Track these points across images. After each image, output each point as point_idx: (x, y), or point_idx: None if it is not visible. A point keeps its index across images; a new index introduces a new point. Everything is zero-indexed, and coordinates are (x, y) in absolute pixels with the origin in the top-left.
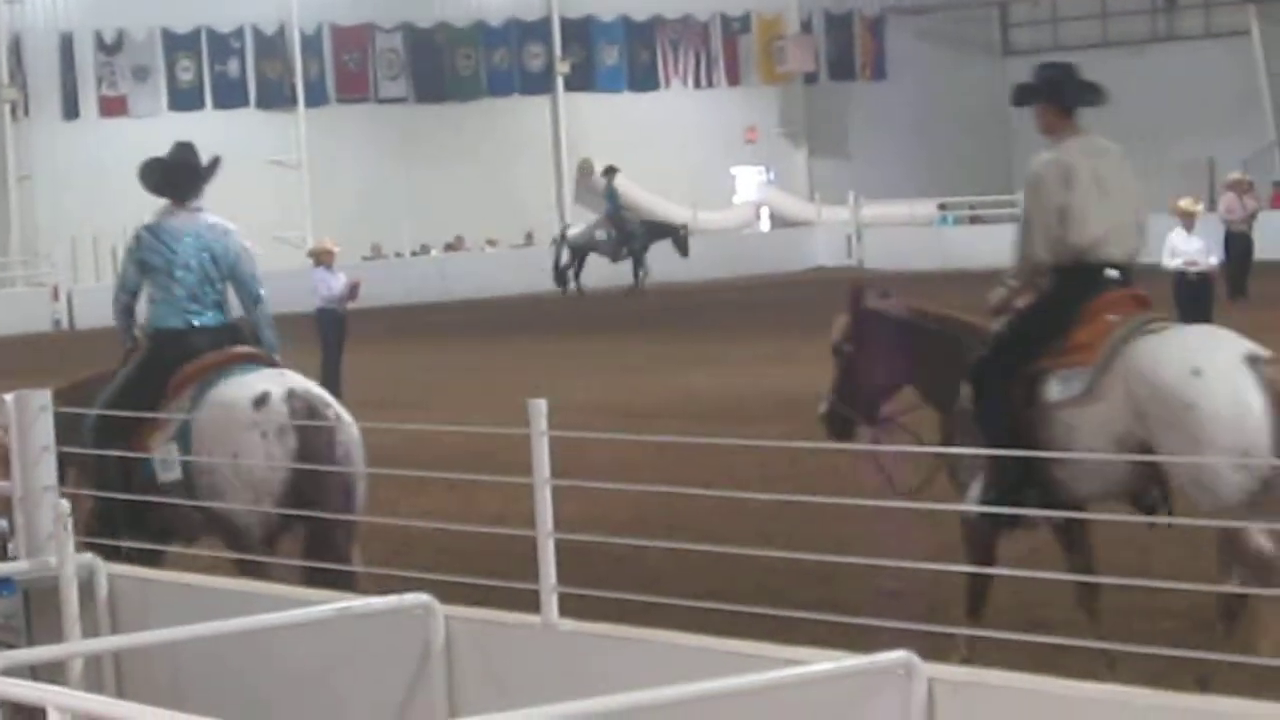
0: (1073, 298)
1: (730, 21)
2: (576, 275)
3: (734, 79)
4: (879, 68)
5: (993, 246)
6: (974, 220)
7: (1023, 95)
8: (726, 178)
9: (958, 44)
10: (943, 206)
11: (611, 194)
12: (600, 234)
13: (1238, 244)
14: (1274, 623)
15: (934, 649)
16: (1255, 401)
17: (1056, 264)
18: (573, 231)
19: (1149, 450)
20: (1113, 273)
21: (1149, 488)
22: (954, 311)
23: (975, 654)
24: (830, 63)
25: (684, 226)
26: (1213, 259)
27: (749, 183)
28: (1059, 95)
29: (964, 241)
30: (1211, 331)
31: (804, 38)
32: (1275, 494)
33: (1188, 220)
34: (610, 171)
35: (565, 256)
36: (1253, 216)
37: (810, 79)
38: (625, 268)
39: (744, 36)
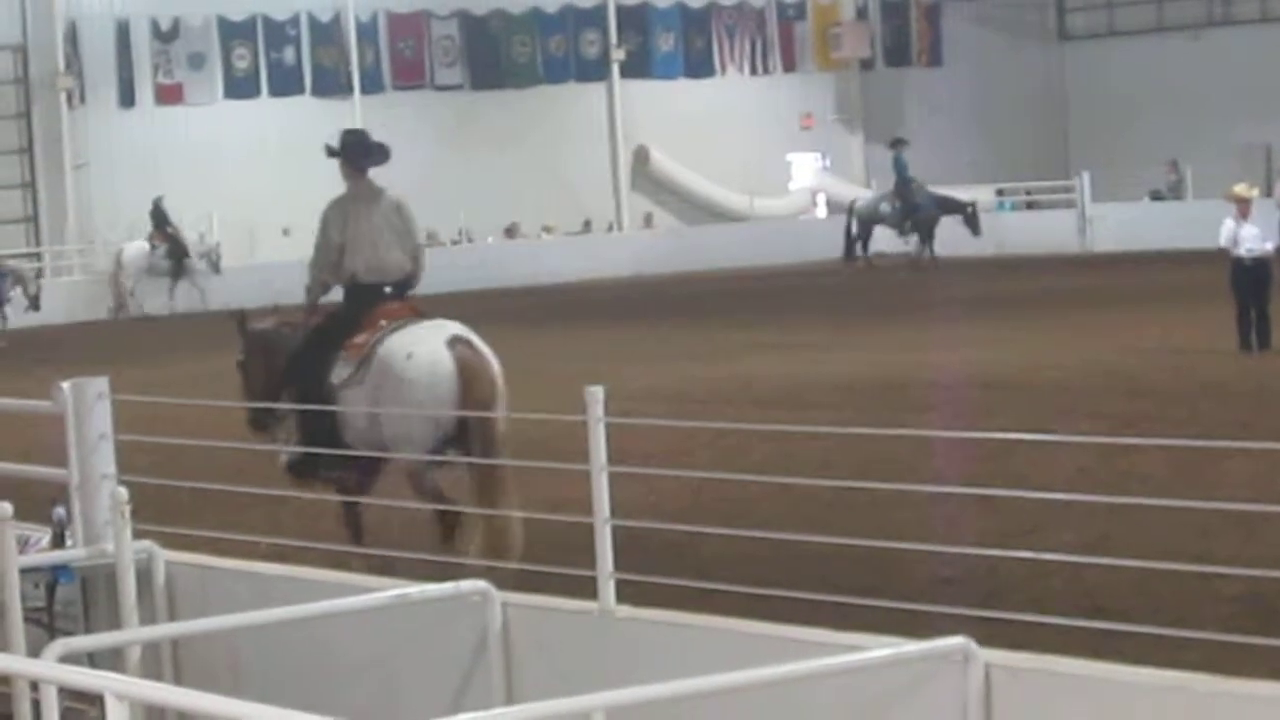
0: (355, 308)
1: (786, 8)
2: (865, 247)
3: (790, 65)
4: (935, 53)
5: (1049, 232)
6: (1030, 206)
7: (330, 152)
8: (782, 164)
9: (1014, 29)
10: (1000, 192)
11: (899, 165)
12: (886, 206)
13: None
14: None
15: (991, 635)
16: (446, 374)
17: (342, 283)
18: (860, 203)
19: (394, 417)
20: (389, 289)
21: (445, 448)
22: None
23: (1034, 640)
24: (886, 49)
25: (973, 203)
26: (1269, 244)
27: (805, 169)
28: (352, 156)
29: (1021, 227)
30: (436, 324)
31: (859, 24)
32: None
33: (1242, 205)
34: (899, 143)
35: (855, 228)
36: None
37: (866, 65)
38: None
39: (799, 23)
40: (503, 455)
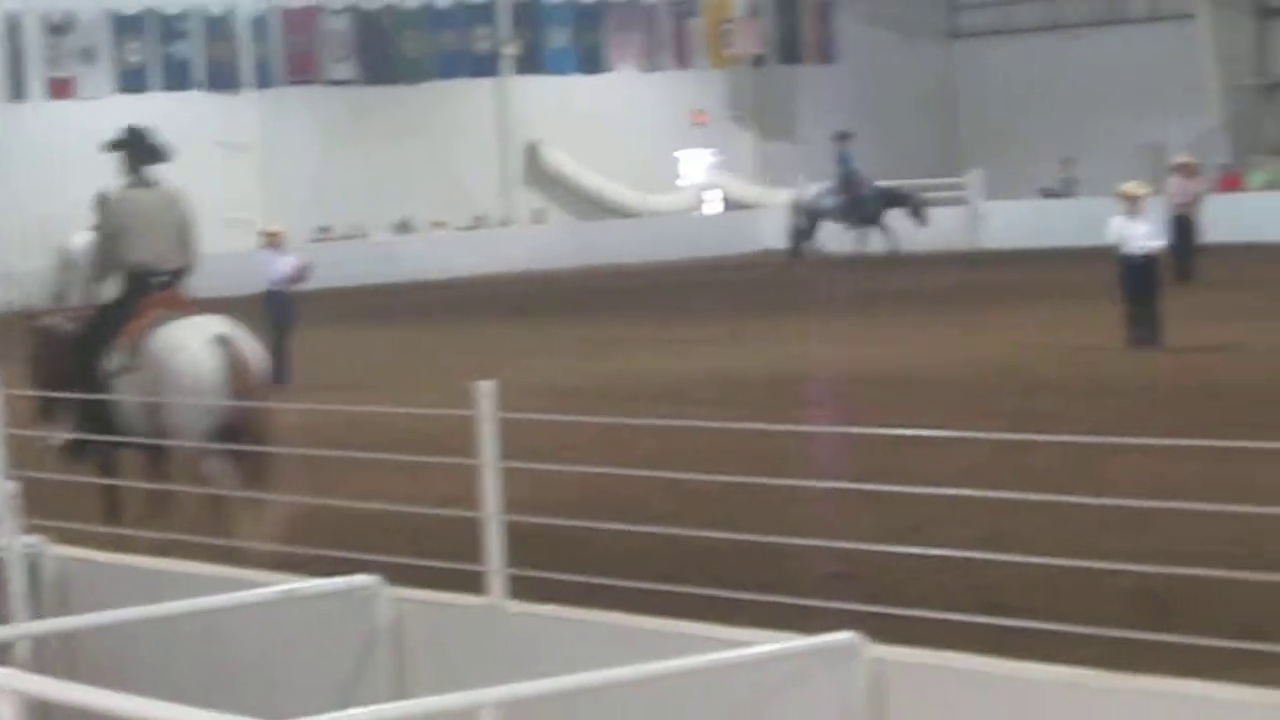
0: (130, 297)
1: (678, 4)
2: (809, 241)
3: (682, 62)
4: (827, 50)
5: (941, 229)
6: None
7: (110, 145)
8: (674, 160)
9: (906, 27)
10: None
11: (844, 159)
12: (830, 200)
13: (1184, 227)
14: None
15: (882, 631)
16: (212, 368)
17: (121, 272)
18: (805, 196)
19: (166, 407)
20: (162, 279)
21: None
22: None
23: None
24: (778, 46)
25: (918, 194)
26: (1159, 242)
27: (697, 165)
28: (133, 153)
29: (910, 224)
30: (203, 320)
31: (752, 21)
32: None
33: (1133, 203)
34: (844, 137)
35: (800, 222)
36: (1199, 200)
37: (758, 62)
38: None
39: (692, 19)
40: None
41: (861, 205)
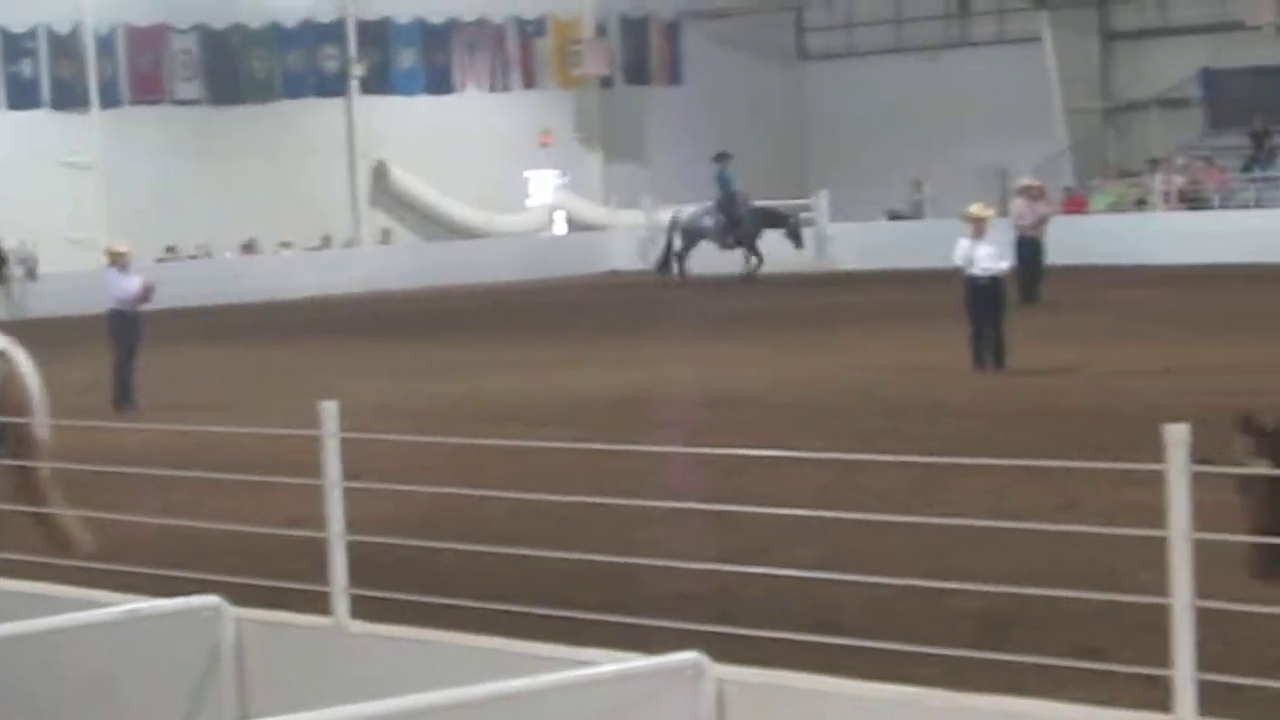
0: None
1: (526, 25)
2: (681, 262)
3: (529, 82)
4: (674, 72)
5: (788, 250)
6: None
7: None
8: (521, 181)
9: (753, 49)
10: None
11: (723, 179)
12: (708, 220)
13: (1028, 249)
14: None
15: (727, 651)
16: None
17: None
18: (683, 217)
19: None
20: None
21: None
22: None
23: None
24: (626, 67)
25: (795, 215)
26: (1004, 264)
27: (544, 186)
28: None
29: (760, 245)
30: None
31: (599, 42)
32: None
33: (978, 225)
34: (723, 157)
35: (678, 242)
36: (1043, 222)
37: (606, 83)
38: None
39: (539, 40)
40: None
41: (739, 226)
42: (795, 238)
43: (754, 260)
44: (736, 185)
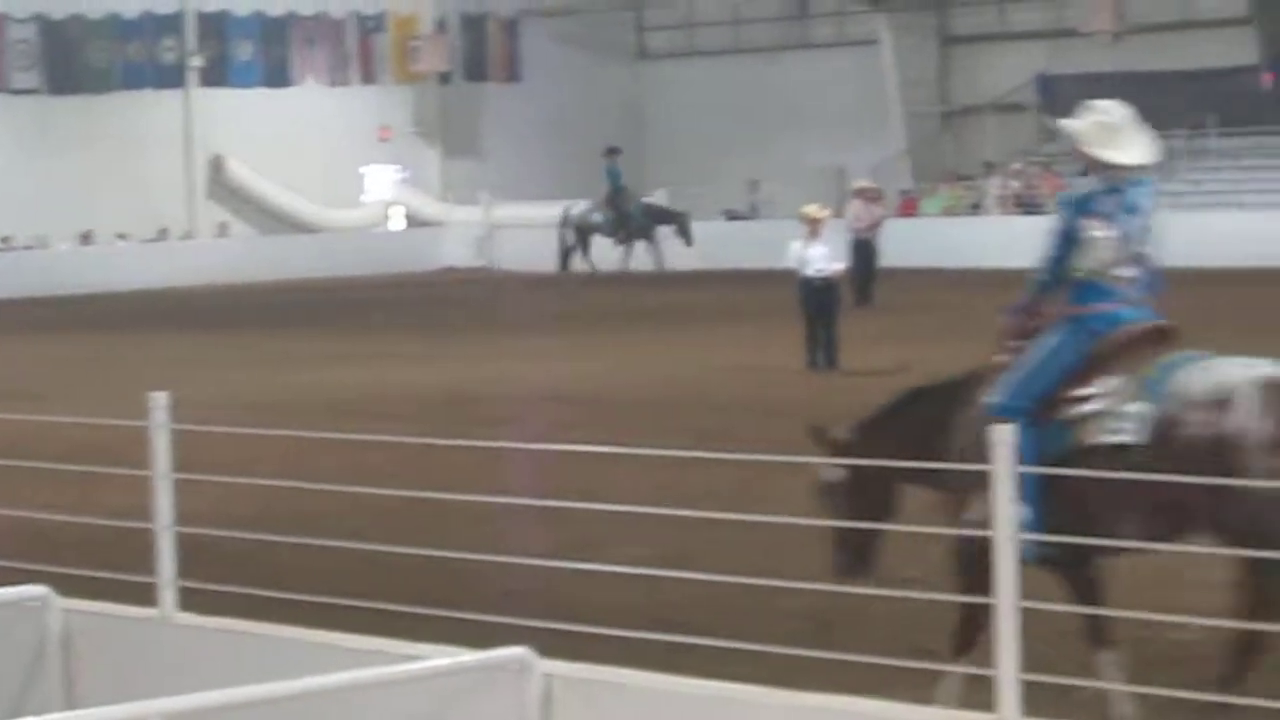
0: None
1: (365, 20)
2: (585, 254)
3: (368, 77)
4: (514, 69)
5: (622, 249)
6: None
7: None
8: (359, 176)
9: (593, 47)
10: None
11: (612, 174)
12: (598, 216)
13: (863, 251)
14: None
15: (558, 647)
16: None
17: None
18: (574, 212)
19: None
20: None
21: None
22: None
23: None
24: (465, 63)
25: (685, 213)
26: (837, 265)
27: (381, 181)
28: None
29: (598, 243)
30: None
31: (438, 37)
32: None
33: (813, 226)
34: (612, 153)
35: (570, 238)
36: (879, 224)
37: (445, 79)
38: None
39: (379, 35)
40: None
41: (628, 221)
42: (685, 234)
43: (655, 255)
44: (623, 180)
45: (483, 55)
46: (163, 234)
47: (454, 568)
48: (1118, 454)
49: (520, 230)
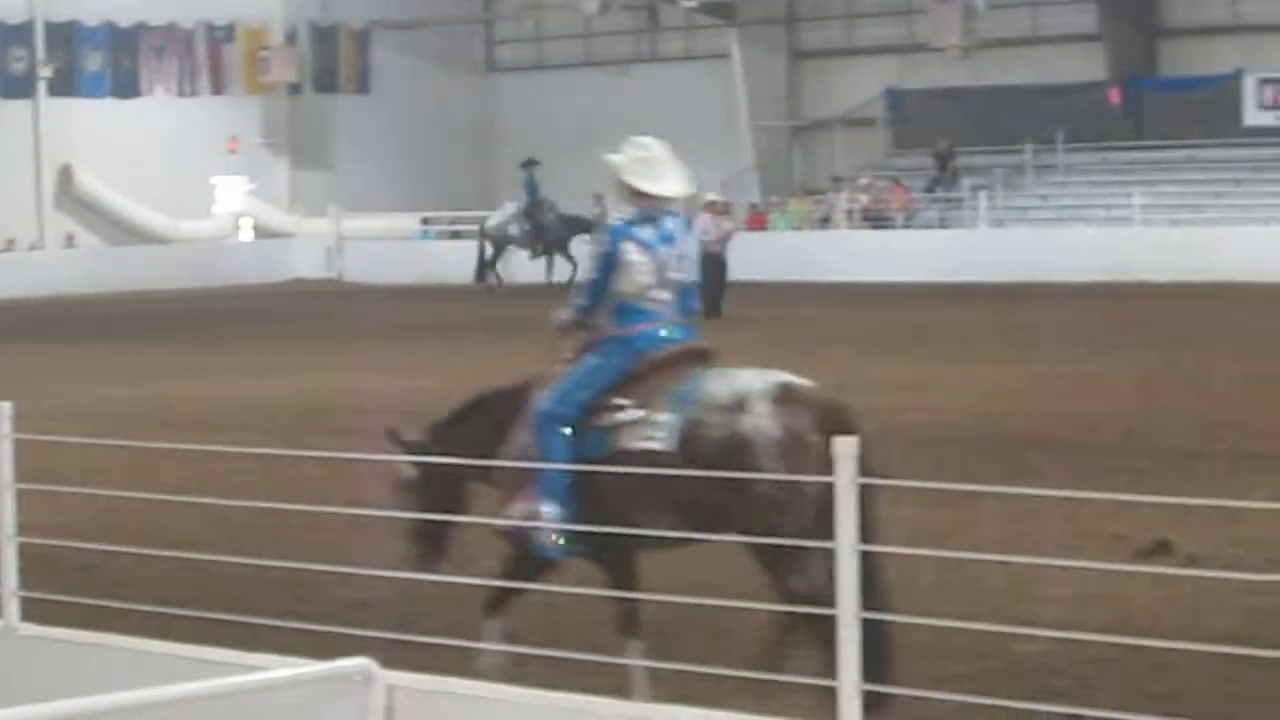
0: None
1: (215, 30)
2: (493, 267)
3: (218, 88)
4: (363, 81)
5: (472, 260)
6: (455, 235)
7: None
8: (208, 187)
9: (443, 59)
10: (425, 221)
11: (530, 186)
12: (514, 228)
13: (712, 264)
14: None
15: (404, 659)
16: None
17: None
18: (490, 223)
19: None
20: None
21: None
22: None
23: (443, 663)
24: (315, 75)
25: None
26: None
27: (230, 192)
28: None
29: (444, 256)
30: None
31: (288, 49)
32: None
33: None
34: (530, 164)
35: (487, 250)
36: (728, 237)
37: (294, 90)
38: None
39: (228, 46)
40: None
41: (545, 233)
42: None
43: (571, 268)
44: (541, 192)
45: (333, 66)
46: (10, 245)
47: (298, 579)
48: (648, 458)
49: (369, 242)
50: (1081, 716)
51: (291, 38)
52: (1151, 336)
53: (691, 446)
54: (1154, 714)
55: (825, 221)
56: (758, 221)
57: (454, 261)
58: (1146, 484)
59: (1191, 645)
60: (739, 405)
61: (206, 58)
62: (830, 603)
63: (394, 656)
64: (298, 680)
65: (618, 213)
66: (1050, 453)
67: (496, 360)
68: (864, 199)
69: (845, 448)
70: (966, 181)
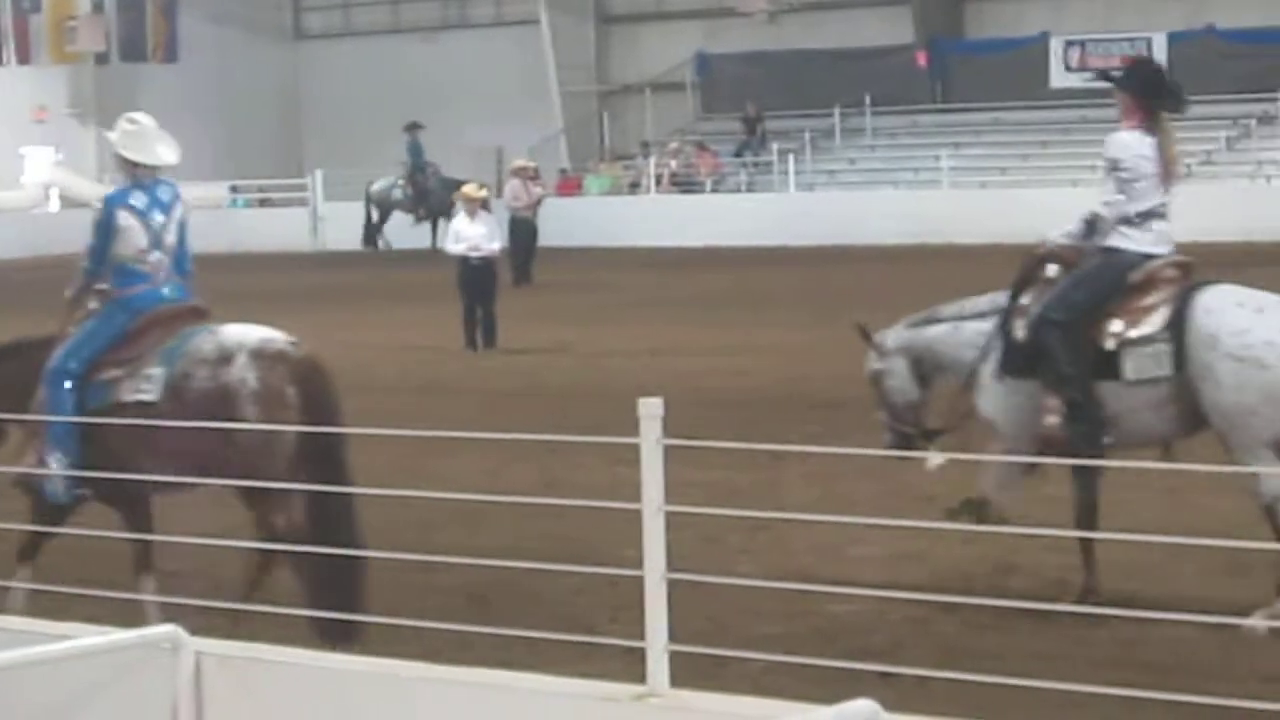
0: None
1: (21, 0)
2: (379, 231)
3: (24, 57)
4: (170, 49)
5: (282, 229)
6: (264, 203)
7: None
8: (16, 157)
9: (251, 27)
10: (234, 189)
11: (414, 150)
12: (399, 192)
13: (522, 230)
14: None
15: (215, 627)
16: None
17: None
18: (375, 187)
19: None
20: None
21: None
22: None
23: (256, 630)
24: (122, 43)
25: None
26: (496, 244)
27: (38, 163)
28: None
29: (253, 224)
30: None
31: (95, 18)
32: None
33: (471, 206)
34: (414, 128)
35: (373, 214)
36: (538, 203)
37: (101, 59)
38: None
39: (35, 15)
40: None
41: (428, 197)
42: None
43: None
44: (425, 156)
45: (140, 35)
46: None
47: (108, 548)
48: (141, 409)
49: None
50: (894, 674)
51: (99, 6)
52: (962, 297)
53: (179, 397)
54: (966, 671)
55: (635, 187)
56: (568, 187)
57: (262, 229)
58: (956, 444)
59: (1001, 603)
60: (223, 359)
61: (13, 27)
62: (305, 539)
63: (202, 624)
64: (106, 648)
65: (115, 183)
66: (858, 415)
67: (309, 331)
68: (673, 164)
69: (649, 408)
70: (775, 145)
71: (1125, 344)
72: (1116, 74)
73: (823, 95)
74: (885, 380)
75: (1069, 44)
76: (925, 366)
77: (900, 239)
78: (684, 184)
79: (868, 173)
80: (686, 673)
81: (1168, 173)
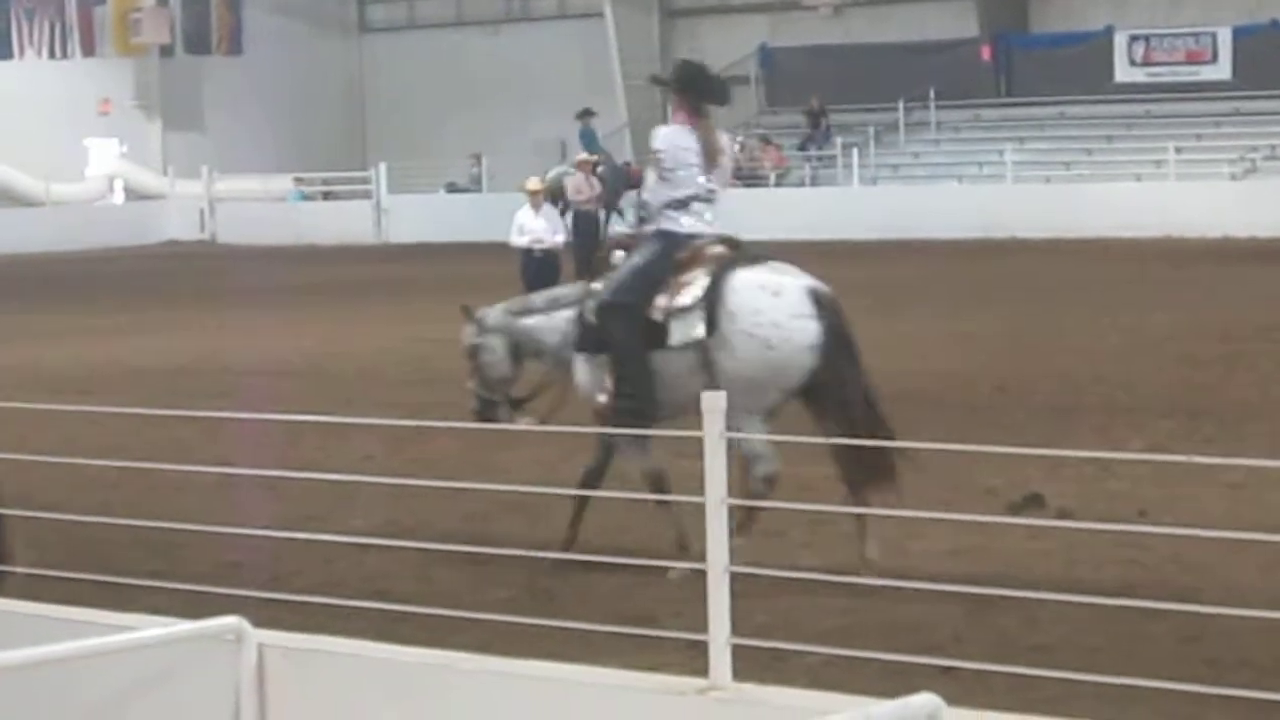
0: None
1: None
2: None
3: (89, 50)
4: (235, 42)
5: (346, 222)
6: (327, 196)
7: None
8: (80, 149)
9: (315, 20)
10: (298, 181)
11: (586, 138)
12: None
13: (585, 223)
14: None
15: (276, 618)
16: None
17: None
18: (549, 175)
19: None
20: None
21: None
22: None
23: (315, 622)
24: (186, 36)
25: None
26: (559, 237)
27: (103, 155)
28: None
29: (317, 217)
30: None
31: (160, 10)
32: None
33: (534, 199)
34: (586, 114)
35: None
36: (600, 196)
37: (166, 52)
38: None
39: (99, 7)
40: None
41: (601, 185)
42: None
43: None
44: (600, 143)
45: (204, 28)
46: None
47: (171, 540)
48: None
49: (242, 203)
50: (955, 669)
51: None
52: (1024, 293)
53: None
54: (1026, 665)
55: None
56: (633, 179)
57: (326, 222)
58: (1019, 438)
59: (1063, 597)
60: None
61: (78, 19)
62: None
63: (265, 616)
64: (169, 639)
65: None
66: (923, 408)
67: (365, 320)
68: (737, 156)
69: (713, 401)
70: (839, 139)
71: (670, 313)
72: (665, 76)
73: (887, 89)
74: (482, 355)
75: (1133, 38)
76: (524, 350)
77: (964, 233)
78: (747, 178)
79: (931, 167)
80: (748, 666)
81: (711, 163)
